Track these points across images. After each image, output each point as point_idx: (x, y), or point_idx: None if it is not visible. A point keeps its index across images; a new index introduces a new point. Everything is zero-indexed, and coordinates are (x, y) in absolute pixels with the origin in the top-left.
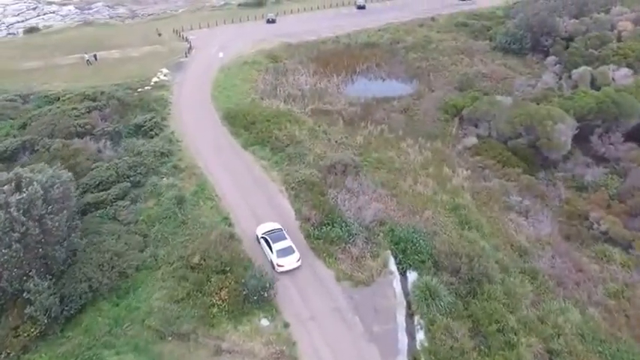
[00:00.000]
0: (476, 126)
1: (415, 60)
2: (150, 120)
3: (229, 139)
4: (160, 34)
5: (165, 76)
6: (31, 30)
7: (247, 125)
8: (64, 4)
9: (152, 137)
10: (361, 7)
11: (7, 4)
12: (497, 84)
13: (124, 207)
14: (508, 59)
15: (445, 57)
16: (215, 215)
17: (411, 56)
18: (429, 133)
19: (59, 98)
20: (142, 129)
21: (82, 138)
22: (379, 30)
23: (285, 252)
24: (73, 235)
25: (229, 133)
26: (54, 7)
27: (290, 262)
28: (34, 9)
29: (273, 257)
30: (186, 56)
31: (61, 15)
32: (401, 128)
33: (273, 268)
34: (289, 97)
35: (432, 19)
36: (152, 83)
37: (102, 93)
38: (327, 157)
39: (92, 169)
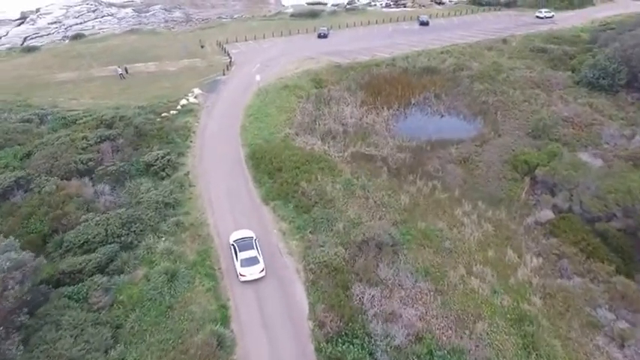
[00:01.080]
0: (552, 193)
1: (481, 93)
2: (162, 158)
3: (249, 188)
4: (202, 46)
5: (195, 97)
6: (77, 37)
7: (272, 171)
8: (124, 7)
9: (163, 178)
10: (424, 24)
11: (71, 6)
12: (581, 132)
13: (99, 285)
14: (595, 97)
15: (517, 91)
16: (211, 302)
17: (476, 87)
18: (491, 196)
19: (76, 120)
20: (152, 169)
21: (82, 177)
22: (442, 52)
23: (249, 262)
24: (8, 341)
25: (251, 180)
26: (113, 10)
27: (252, 273)
28: (94, 11)
29: (237, 266)
30: (224, 74)
31: (118, 18)
32: (457, 186)
33: (237, 277)
34: (328, 134)
35: (504, 41)
36: (179, 106)
37: (121, 118)
38: (361, 224)
39: (81, 223)
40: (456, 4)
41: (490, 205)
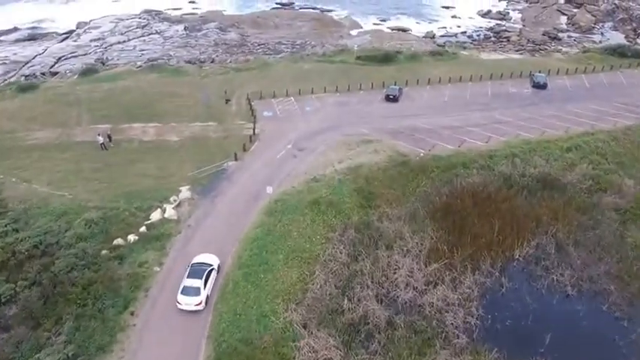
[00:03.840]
0: None
1: None
2: None
3: None
4: (227, 101)
5: (178, 206)
6: (87, 72)
7: None
8: (179, 22)
9: None
10: (539, 86)
11: (122, 19)
12: None
13: None
14: None
15: None
16: None
17: (631, 236)
18: None
19: None
20: None
21: None
22: (567, 147)
23: (189, 291)
24: None
25: None
26: (163, 27)
27: (188, 303)
28: (144, 27)
29: (178, 291)
30: (236, 158)
31: (165, 37)
32: None
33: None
34: (359, 330)
35: None
36: (145, 226)
37: (45, 250)
38: None
39: None
40: (585, 52)
41: None
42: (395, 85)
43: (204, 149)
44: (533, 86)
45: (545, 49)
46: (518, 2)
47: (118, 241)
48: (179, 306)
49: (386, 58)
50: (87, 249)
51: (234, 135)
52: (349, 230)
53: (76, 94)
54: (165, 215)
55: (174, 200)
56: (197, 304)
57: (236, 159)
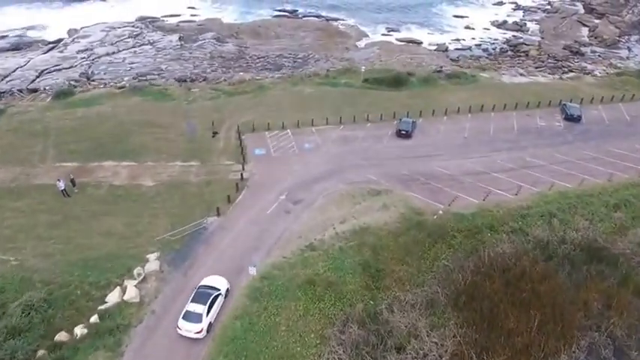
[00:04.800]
0: None
1: None
2: None
3: None
4: (214, 134)
5: (142, 282)
6: (61, 94)
7: None
8: (173, 31)
9: None
10: (573, 119)
11: (114, 28)
12: None
13: None
14: None
15: None
16: None
17: None
18: None
19: None
20: None
21: None
22: (614, 203)
23: (190, 317)
24: None
25: None
26: (156, 37)
27: (188, 330)
28: (136, 36)
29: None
30: (218, 214)
31: (157, 49)
32: None
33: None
34: None
35: None
36: (96, 316)
37: None
38: None
39: None
40: (619, 74)
41: None
42: (407, 116)
43: (183, 199)
44: (566, 119)
45: (569, 65)
46: (535, 12)
47: (62, 335)
48: (179, 331)
49: (397, 82)
50: (18, 350)
51: (218, 180)
52: (351, 325)
53: (44, 123)
54: (125, 297)
55: (139, 274)
56: (197, 332)
57: (218, 214)
